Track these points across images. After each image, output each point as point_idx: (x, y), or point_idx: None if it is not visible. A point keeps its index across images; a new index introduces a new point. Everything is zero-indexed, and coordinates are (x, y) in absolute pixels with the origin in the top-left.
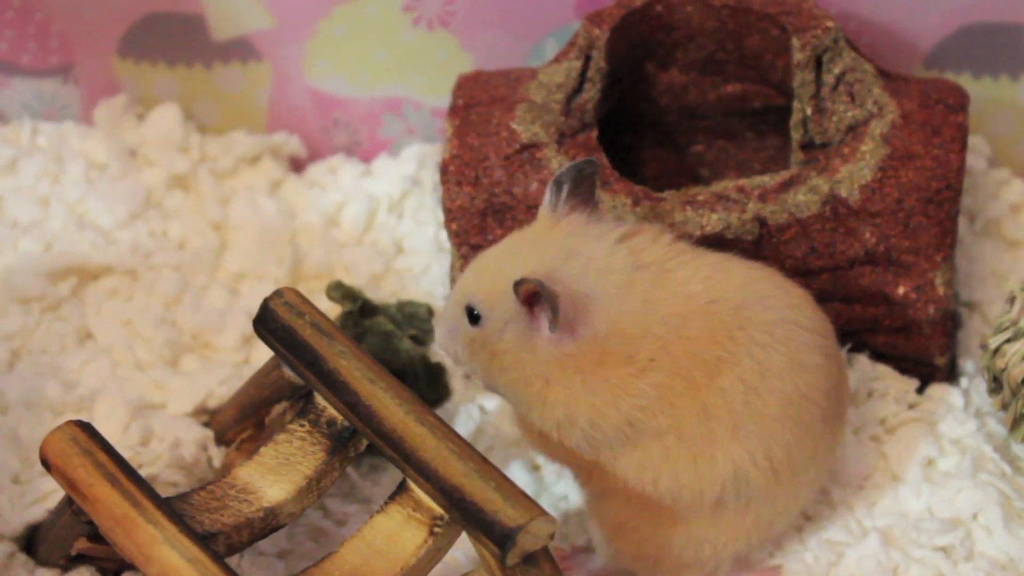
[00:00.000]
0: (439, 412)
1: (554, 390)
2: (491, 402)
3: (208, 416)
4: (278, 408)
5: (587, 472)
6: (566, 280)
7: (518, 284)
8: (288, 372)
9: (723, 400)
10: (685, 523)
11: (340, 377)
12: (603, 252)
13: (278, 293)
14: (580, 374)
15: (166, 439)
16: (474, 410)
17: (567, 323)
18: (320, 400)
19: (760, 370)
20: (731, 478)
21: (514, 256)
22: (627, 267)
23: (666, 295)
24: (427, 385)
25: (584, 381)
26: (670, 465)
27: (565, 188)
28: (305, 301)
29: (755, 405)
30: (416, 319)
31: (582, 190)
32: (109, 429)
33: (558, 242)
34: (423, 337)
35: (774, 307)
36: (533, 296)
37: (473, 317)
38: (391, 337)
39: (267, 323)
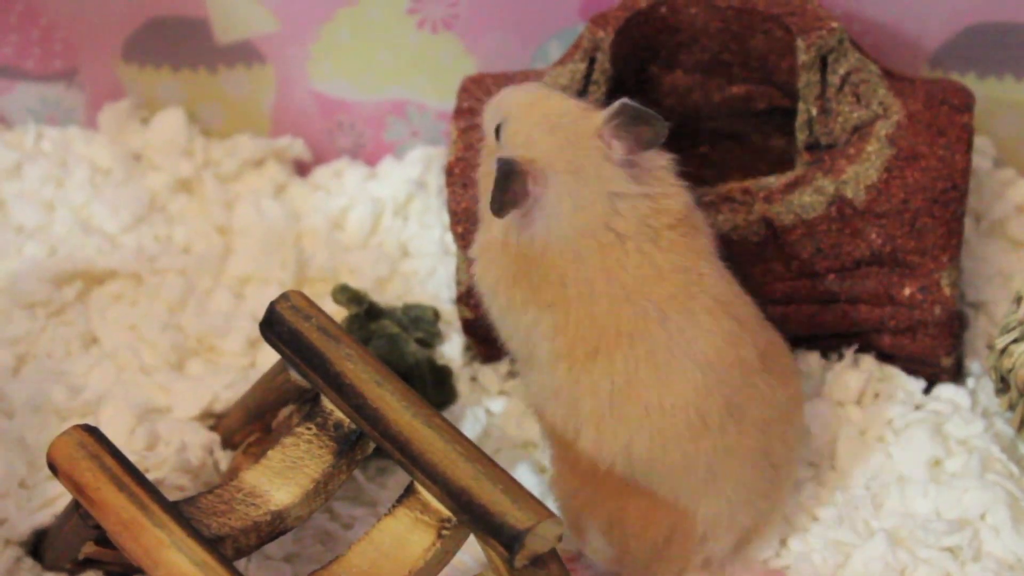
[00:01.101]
0: (446, 415)
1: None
2: (497, 404)
3: (214, 420)
4: (284, 411)
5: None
6: (548, 181)
7: (504, 161)
8: (295, 375)
9: (591, 383)
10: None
11: (347, 380)
12: (599, 187)
13: (284, 296)
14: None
15: (172, 443)
16: (480, 413)
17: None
18: (327, 403)
19: (629, 376)
20: (595, 455)
21: (559, 123)
22: (605, 214)
23: (617, 258)
24: (434, 388)
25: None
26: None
27: (622, 119)
28: (312, 304)
29: (619, 404)
30: (422, 322)
31: (638, 132)
32: (115, 433)
33: (580, 147)
34: (429, 340)
35: (672, 331)
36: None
37: (498, 134)
38: (397, 340)
39: (274, 327)
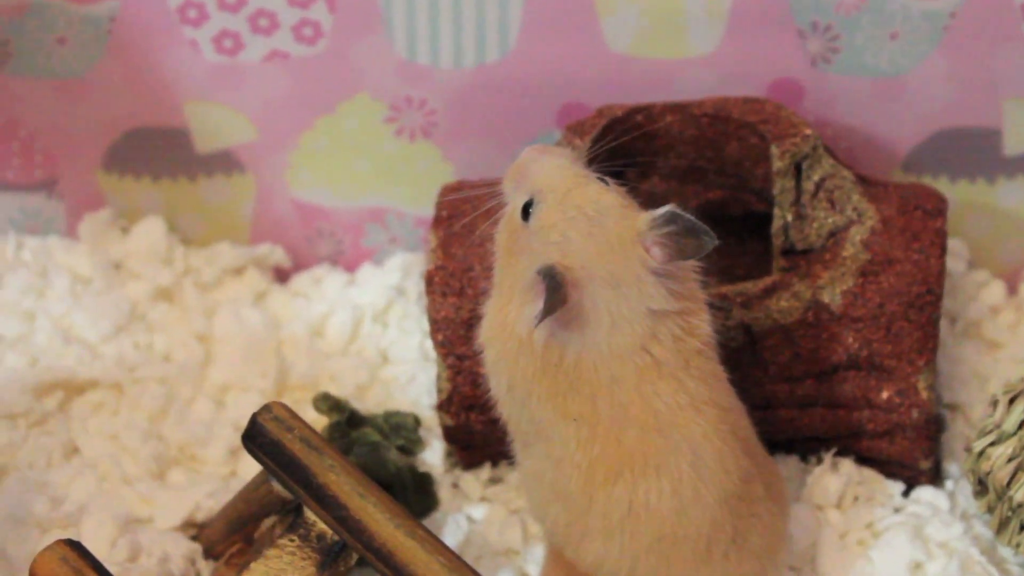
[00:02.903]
0: (427, 522)
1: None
2: (479, 511)
3: (196, 530)
4: (267, 522)
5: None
6: (584, 289)
7: (547, 271)
8: (277, 487)
9: (604, 506)
10: None
11: (330, 492)
12: (630, 303)
13: (267, 408)
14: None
15: (154, 554)
16: (462, 520)
17: (559, 324)
18: (310, 515)
19: (645, 502)
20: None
21: (598, 220)
22: (636, 333)
23: (635, 383)
24: (415, 495)
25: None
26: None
27: (672, 227)
28: (294, 416)
29: (629, 527)
30: (403, 429)
31: (683, 244)
32: (97, 545)
33: (619, 256)
34: (411, 447)
35: (682, 466)
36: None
37: (526, 212)
38: (378, 448)
39: (256, 439)
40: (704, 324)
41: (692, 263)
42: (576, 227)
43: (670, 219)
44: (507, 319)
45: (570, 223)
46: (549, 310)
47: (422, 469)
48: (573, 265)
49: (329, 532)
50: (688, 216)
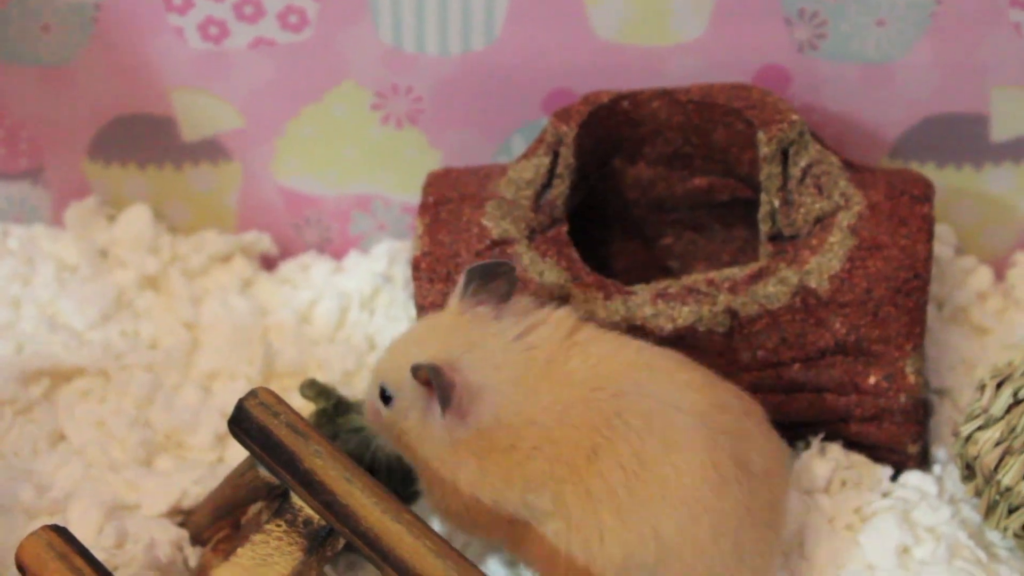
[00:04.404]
0: (414, 508)
1: (452, 472)
2: None
3: (183, 516)
4: (254, 508)
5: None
6: (462, 370)
7: (416, 369)
8: (264, 472)
9: (605, 485)
10: None
11: (316, 477)
12: (500, 347)
13: (252, 393)
14: (475, 457)
15: (141, 540)
16: None
17: (458, 410)
18: (296, 500)
19: (637, 455)
20: (622, 561)
21: (421, 342)
22: (520, 362)
23: (551, 385)
24: (401, 482)
25: (479, 465)
26: (564, 547)
27: (475, 283)
28: (280, 401)
29: (636, 488)
30: None
31: (495, 287)
32: (83, 531)
33: (462, 333)
34: None
35: (651, 394)
36: (429, 382)
37: (385, 398)
38: (365, 434)
39: (242, 424)
40: (563, 313)
41: (524, 300)
42: (417, 346)
43: (469, 277)
44: (439, 466)
45: (410, 351)
46: (445, 393)
47: None
48: (435, 356)
49: (316, 517)
50: (483, 263)
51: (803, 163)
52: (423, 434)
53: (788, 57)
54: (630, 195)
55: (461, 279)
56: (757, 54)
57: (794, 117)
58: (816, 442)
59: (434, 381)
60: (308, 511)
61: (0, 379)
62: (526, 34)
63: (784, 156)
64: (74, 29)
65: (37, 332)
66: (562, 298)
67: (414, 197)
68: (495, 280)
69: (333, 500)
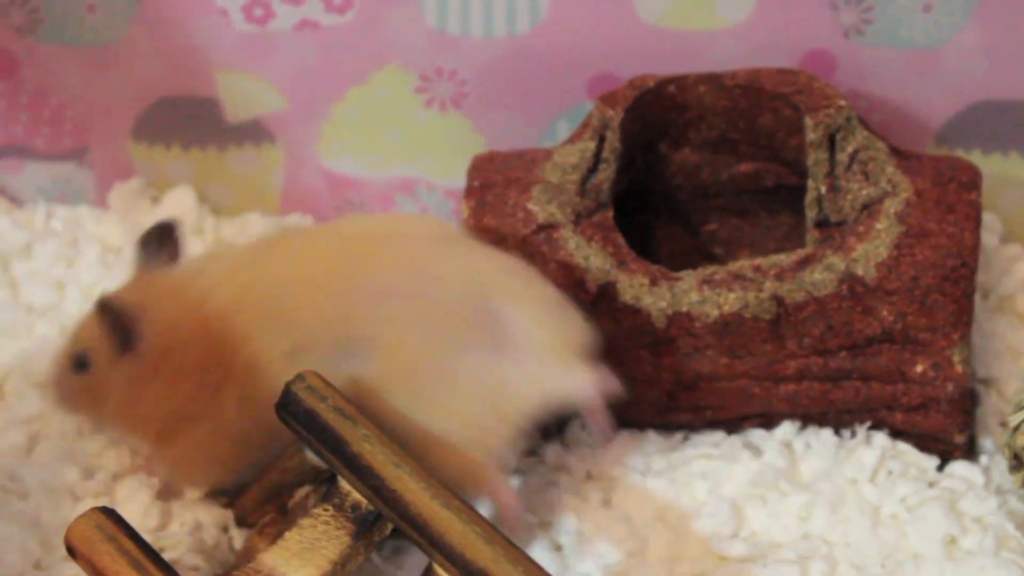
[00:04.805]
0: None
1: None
2: (512, 482)
3: (228, 498)
4: (301, 492)
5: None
6: (125, 298)
7: (102, 305)
8: (311, 456)
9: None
10: None
11: (364, 461)
12: (173, 284)
13: (300, 377)
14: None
15: (186, 522)
16: None
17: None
18: (344, 484)
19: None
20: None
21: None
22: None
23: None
24: None
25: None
26: None
27: (152, 248)
28: (327, 384)
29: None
30: None
31: (168, 248)
32: (129, 513)
33: (142, 290)
34: None
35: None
36: (114, 321)
37: (81, 364)
38: None
39: (289, 407)
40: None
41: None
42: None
43: (138, 247)
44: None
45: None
46: (128, 318)
47: None
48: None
49: (364, 502)
50: (149, 231)
51: (850, 149)
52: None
53: (834, 42)
54: (675, 180)
55: (136, 249)
56: (803, 39)
57: (841, 103)
58: (862, 431)
59: (111, 306)
60: (356, 496)
61: (45, 360)
62: (571, 17)
63: (831, 142)
64: (119, 9)
65: (80, 314)
66: None
67: (457, 181)
68: (168, 241)
69: (381, 485)
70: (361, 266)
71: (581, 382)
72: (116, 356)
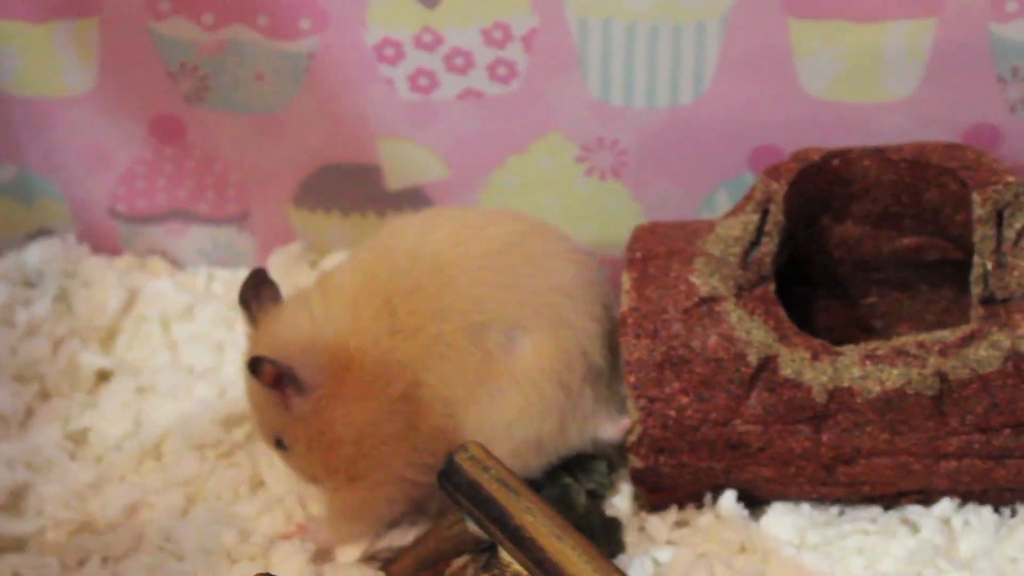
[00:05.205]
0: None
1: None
2: (665, 554)
3: (382, 564)
4: (459, 561)
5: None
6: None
7: (254, 365)
8: (472, 526)
9: None
10: None
11: (527, 533)
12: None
13: (463, 447)
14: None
15: None
16: (648, 563)
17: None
18: (505, 556)
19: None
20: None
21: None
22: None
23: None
24: (603, 539)
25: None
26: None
27: (254, 303)
28: (490, 455)
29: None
30: (595, 473)
31: (265, 296)
32: None
33: (268, 333)
34: (601, 491)
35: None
36: (277, 377)
37: (281, 445)
38: (569, 489)
39: (452, 478)
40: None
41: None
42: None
43: (246, 300)
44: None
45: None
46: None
47: (610, 513)
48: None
49: (525, 573)
50: (245, 286)
51: (1018, 225)
52: (308, 434)
53: (1000, 116)
54: (836, 253)
55: (241, 307)
56: (968, 113)
57: (1010, 179)
58: (1023, 510)
59: (275, 365)
60: (516, 567)
61: (203, 422)
62: (734, 89)
63: (999, 218)
64: (287, 78)
65: (239, 377)
66: None
67: (615, 250)
68: (262, 291)
69: (544, 558)
70: (521, 259)
71: (614, 431)
72: (292, 408)
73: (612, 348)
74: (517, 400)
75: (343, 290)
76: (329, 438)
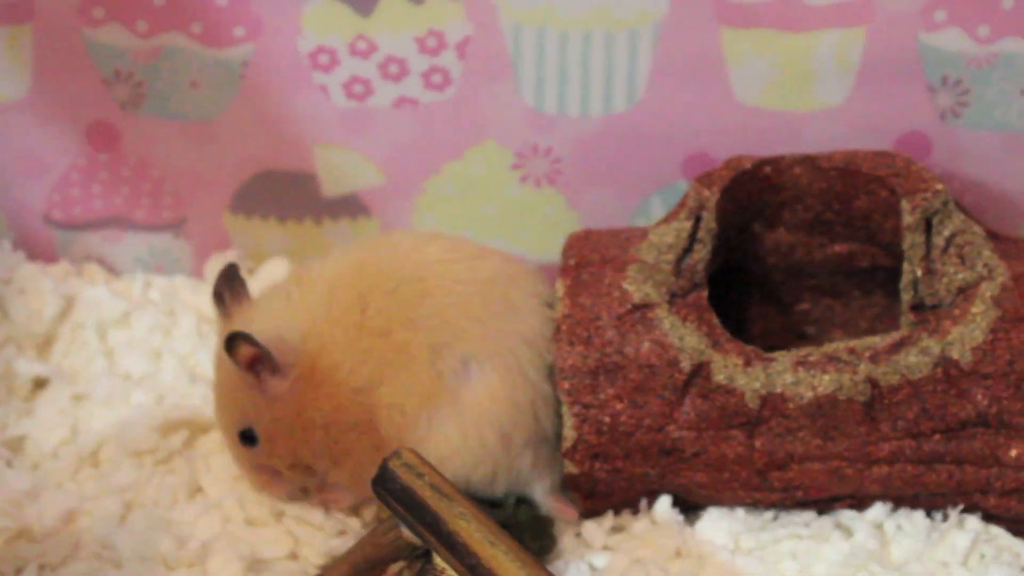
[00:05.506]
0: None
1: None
2: (601, 559)
3: (319, 571)
4: (394, 567)
5: None
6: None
7: (230, 341)
8: (407, 533)
9: None
10: None
11: (460, 539)
12: (272, 300)
13: (397, 454)
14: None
15: None
16: (584, 568)
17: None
18: (439, 561)
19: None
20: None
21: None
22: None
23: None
24: (532, 535)
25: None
26: None
27: (227, 296)
28: (424, 462)
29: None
30: None
31: (237, 291)
32: None
33: (243, 319)
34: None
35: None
36: (253, 359)
37: (249, 438)
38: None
39: (386, 484)
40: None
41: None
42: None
43: (219, 294)
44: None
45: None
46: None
47: (542, 512)
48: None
49: None
50: (218, 283)
51: (947, 232)
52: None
53: (930, 124)
54: (769, 260)
55: (214, 304)
56: (898, 121)
57: (938, 186)
58: (955, 514)
59: (251, 344)
60: (451, 573)
61: (140, 429)
62: (667, 97)
63: (928, 225)
64: (221, 85)
65: (177, 383)
66: None
67: (551, 256)
68: (235, 284)
69: (477, 563)
70: (499, 298)
71: (549, 505)
72: (267, 391)
73: (560, 418)
74: (454, 437)
75: (319, 280)
76: (304, 420)
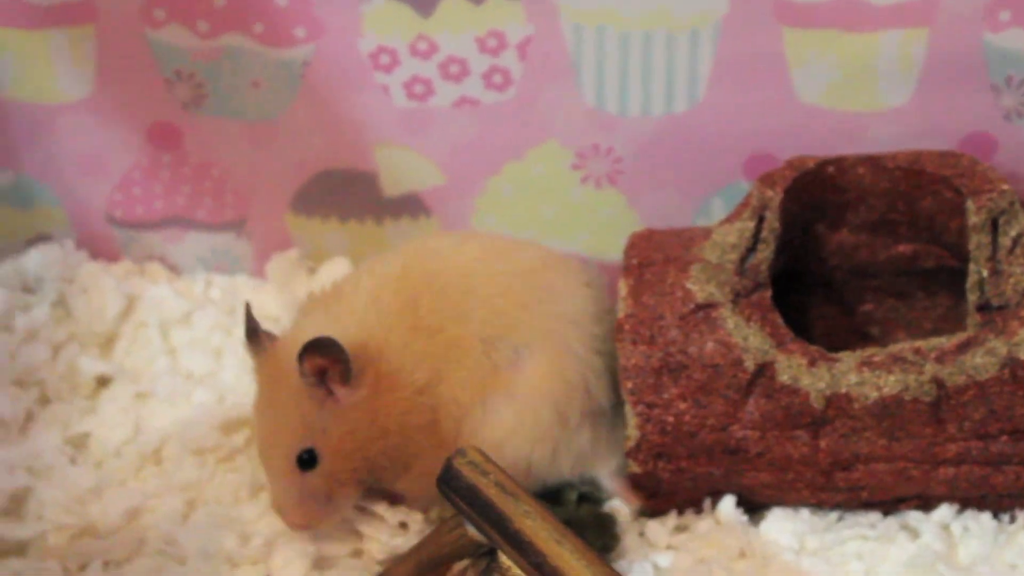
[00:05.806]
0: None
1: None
2: (665, 559)
3: (383, 568)
4: (459, 565)
5: None
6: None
7: (309, 349)
8: (471, 531)
9: None
10: None
11: (526, 537)
12: (316, 318)
13: (461, 452)
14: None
15: None
16: (648, 567)
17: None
18: (504, 559)
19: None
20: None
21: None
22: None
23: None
24: (595, 534)
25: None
26: None
27: (259, 329)
28: (488, 459)
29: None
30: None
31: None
32: None
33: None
34: (595, 495)
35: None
36: (321, 371)
37: (307, 461)
38: (562, 488)
39: (451, 482)
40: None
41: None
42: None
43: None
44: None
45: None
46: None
47: (605, 510)
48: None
49: None
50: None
51: (1013, 233)
52: (354, 433)
53: (994, 124)
54: (832, 261)
55: (247, 338)
56: (963, 121)
57: (1004, 187)
58: (1022, 515)
59: (325, 349)
60: (516, 571)
61: (203, 427)
62: (729, 97)
63: (994, 225)
64: (283, 85)
65: (238, 382)
66: None
67: (611, 256)
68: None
69: (543, 562)
70: (539, 284)
71: (613, 486)
72: (340, 402)
73: (617, 391)
74: (509, 420)
75: (359, 291)
76: (378, 428)
